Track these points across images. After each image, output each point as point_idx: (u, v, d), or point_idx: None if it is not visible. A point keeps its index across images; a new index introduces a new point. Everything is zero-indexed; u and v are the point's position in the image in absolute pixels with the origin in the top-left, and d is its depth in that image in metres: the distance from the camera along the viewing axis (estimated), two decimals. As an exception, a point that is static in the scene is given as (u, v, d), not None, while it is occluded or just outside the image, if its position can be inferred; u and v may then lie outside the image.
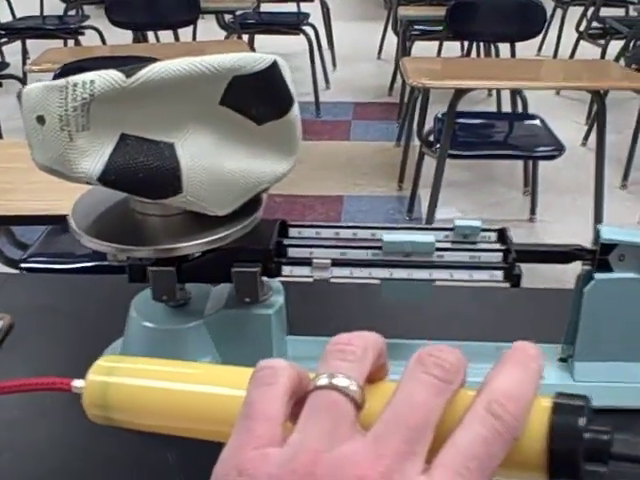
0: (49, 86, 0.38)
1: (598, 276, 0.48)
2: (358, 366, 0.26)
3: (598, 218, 2.30)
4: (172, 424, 0.33)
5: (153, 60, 0.42)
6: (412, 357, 0.25)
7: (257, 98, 0.41)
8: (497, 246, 0.49)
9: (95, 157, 0.40)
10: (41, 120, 0.38)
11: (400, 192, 2.85)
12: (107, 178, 0.41)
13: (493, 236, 0.49)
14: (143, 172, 0.41)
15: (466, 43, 3.52)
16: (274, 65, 0.40)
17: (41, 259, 1.49)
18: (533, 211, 2.65)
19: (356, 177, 3.00)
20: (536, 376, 0.25)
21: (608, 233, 0.47)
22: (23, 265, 1.48)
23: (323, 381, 0.25)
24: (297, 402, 0.26)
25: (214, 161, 0.42)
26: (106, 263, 0.48)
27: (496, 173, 2.98)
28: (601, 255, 0.47)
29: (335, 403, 0.24)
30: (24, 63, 3.61)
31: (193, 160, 0.41)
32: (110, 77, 0.38)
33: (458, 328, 0.59)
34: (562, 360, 0.53)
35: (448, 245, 0.49)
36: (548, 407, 0.25)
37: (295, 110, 0.42)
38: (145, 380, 0.34)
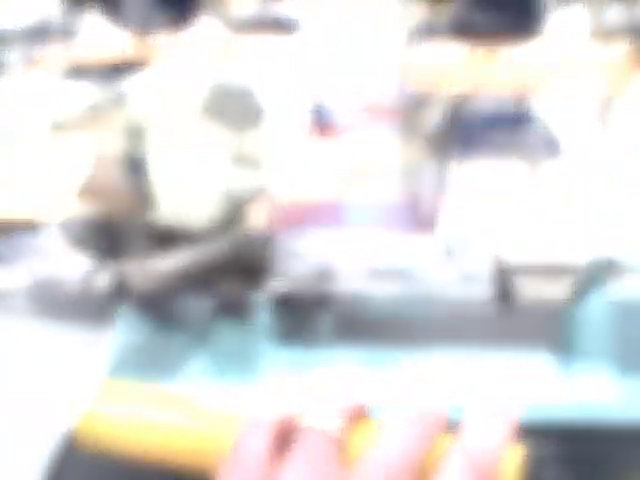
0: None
1: (593, 293, 0.47)
2: (341, 407, 0.27)
3: (606, 220, 2.28)
4: (162, 455, 0.33)
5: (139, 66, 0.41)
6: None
7: (235, 110, 0.40)
8: (489, 260, 0.47)
9: None
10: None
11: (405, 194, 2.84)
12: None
13: (485, 249, 0.48)
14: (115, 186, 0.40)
15: (469, 45, 3.51)
16: (251, 78, 0.39)
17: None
18: (538, 214, 2.64)
19: (360, 179, 2.99)
20: (509, 429, 0.26)
21: (602, 249, 0.46)
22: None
23: (308, 422, 0.26)
24: (284, 442, 0.27)
25: (191, 174, 0.41)
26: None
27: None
28: (595, 272, 0.47)
29: (319, 444, 0.25)
30: (23, 66, 3.62)
31: (168, 173, 0.40)
32: (81, 90, 0.37)
33: (451, 339, 0.58)
34: (559, 374, 0.53)
35: (439, 259, 0.48)
36: (520, 456, 0.26)
37: (275, 123, 0.41)
38: (138, 409, 0.34)
